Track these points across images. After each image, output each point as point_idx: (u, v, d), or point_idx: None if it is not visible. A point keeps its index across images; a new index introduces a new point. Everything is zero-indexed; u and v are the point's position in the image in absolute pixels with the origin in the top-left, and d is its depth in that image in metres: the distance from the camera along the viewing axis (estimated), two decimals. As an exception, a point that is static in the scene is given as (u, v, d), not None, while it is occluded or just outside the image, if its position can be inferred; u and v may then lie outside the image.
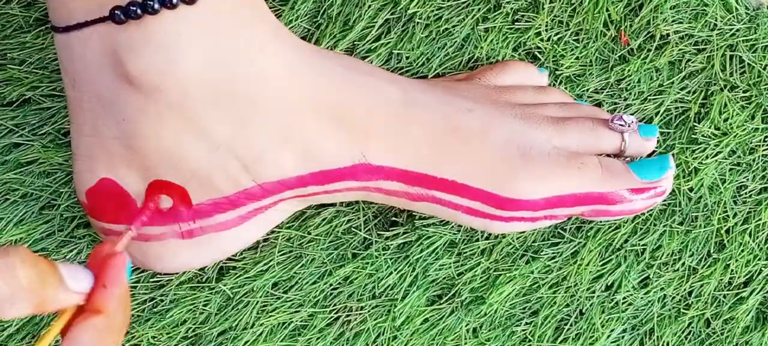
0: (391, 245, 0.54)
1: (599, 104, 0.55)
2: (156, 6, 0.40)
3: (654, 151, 0.54)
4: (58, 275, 0.35)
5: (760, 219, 0.55)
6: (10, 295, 0.32)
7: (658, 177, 0.51)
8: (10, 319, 0.34)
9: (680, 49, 0.55)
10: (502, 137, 0.49)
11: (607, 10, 0.55)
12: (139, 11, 0.40)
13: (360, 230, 0.54)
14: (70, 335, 0.35)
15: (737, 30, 0.55)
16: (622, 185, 0.51)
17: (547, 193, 0.50)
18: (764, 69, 0.56)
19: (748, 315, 0.56)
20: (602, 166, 0.51)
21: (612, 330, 0.55)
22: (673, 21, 0.55)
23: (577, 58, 0.55)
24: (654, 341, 0.55)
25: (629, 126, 0.52)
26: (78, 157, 0.47)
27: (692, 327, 0.56)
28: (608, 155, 0.54)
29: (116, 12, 0.40)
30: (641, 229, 0.55)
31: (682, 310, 0.55)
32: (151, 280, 0.53)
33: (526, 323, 0.55)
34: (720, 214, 0.55)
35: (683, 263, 0.55)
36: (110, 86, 0.43)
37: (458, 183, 0.49)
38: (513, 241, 0.55)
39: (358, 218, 0.54)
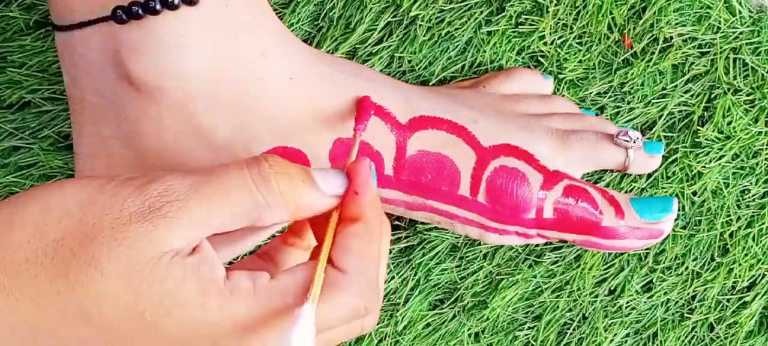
0: (393, 249, 0.54)
1: (602, 108, 0.55)
2: (157, 6, 0.40)
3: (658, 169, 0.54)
4: (310, 179, 0.36)
5: (763, 223, 0.55)
6: (266, 203, 0.34)
7: (658, 219, 0.50)
8: (271, 229, 0.36)
9: (683, 53, 0.55)
10: None
11: (611, 13, 0.55)
12: (140, 11, 0.40)
13: (362, 234, 0.54)
14: (337, 244, 0.36)
15: (741, 33, 0.55)
16: (619, 220, 0.50)
17: (542, 214, 0.50)
18: None
19: (751, 320, 0.55)
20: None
21: (615, 335, 0.55)
22: (676, 24, 0.55)
23: (580, 61, 0.55)
24: (657, 345, 0.55)
25: (634, 142, 0.51)
26: (79, 157, 0.47)
27: (696, 332, 0.55)
28: (612, 171, 0.54)
29: (118, 11, 0.40)
30: (644, 233, 0.55)
31: (685, 314, 0.55)
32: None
33: (529, 328, 0.55)
34: (723, 218, 0.55)
35: (686, 268, 0.55)
36: (111, 86, 0.43)
37: (457, 195, 0.49)
38: (515, 245, 0.54)
39: (360, 222, 0.54)
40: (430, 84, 0.55)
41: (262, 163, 0.35)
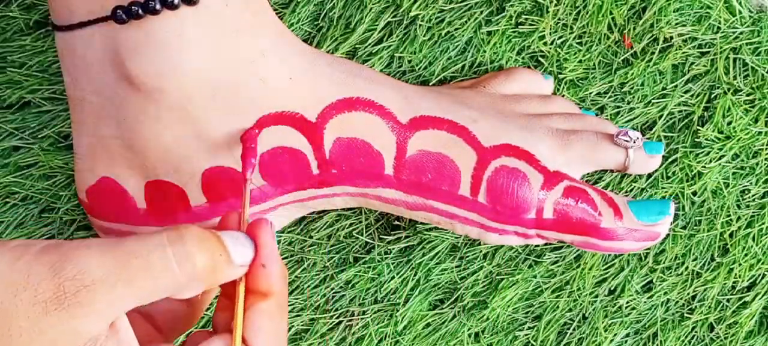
0: (393, 249, 0.54)
1: (602, 108, 0.55)
2: (157, 6, 0.40)
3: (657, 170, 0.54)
4: (226, 253, 0.35)
5: (763, 223, 0.55)
6: (186, 282, 0.34)
7: (654, 221, 0.50)
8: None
9: (683, 53, 0.55)
10: None
11: (611, 13, 0.55)
12: (140, 11, 0.40)
13: (362, 235, 0.54)
14: (250, 325, 0.36)
15: (741, 33, 0.55)
16: (617, 222, 0.50)
17: (541, 214, 0.50)
18: None
19: (751, 320, 0.55)
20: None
21: (615, 335, 0.55)
22: (676, 24, 0.55)
23: (580, 61, 0.55)
24: (657, 345, 0.55)
25: (634, 142, 0.51)
26: (79, 156, 0.47)
27: (696, 332, 0.55)
28: (612, 171, 0.54)
29: (118, 11, 0.40)
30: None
31: (685, 314, 0.55)
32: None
33: (529, 328, 0.55)
34: (723, 218, 0.55)
35: (686, 268, 0.55)
36: (111, 86, 0.43)
37: (457, 195, 0.49)
38: (515, 245, 0.54)
39: (360, 222, 0.54)
40: (430, 84, 0.55)
41: (185, 241, 0.34)
